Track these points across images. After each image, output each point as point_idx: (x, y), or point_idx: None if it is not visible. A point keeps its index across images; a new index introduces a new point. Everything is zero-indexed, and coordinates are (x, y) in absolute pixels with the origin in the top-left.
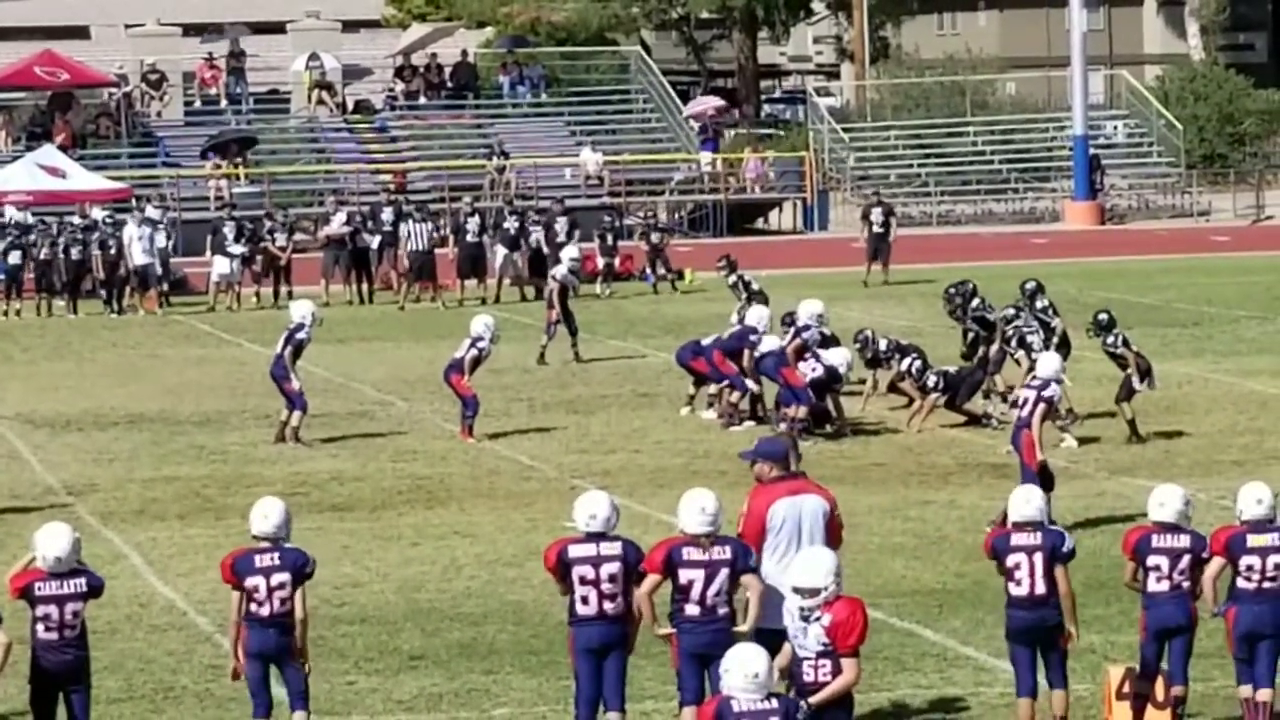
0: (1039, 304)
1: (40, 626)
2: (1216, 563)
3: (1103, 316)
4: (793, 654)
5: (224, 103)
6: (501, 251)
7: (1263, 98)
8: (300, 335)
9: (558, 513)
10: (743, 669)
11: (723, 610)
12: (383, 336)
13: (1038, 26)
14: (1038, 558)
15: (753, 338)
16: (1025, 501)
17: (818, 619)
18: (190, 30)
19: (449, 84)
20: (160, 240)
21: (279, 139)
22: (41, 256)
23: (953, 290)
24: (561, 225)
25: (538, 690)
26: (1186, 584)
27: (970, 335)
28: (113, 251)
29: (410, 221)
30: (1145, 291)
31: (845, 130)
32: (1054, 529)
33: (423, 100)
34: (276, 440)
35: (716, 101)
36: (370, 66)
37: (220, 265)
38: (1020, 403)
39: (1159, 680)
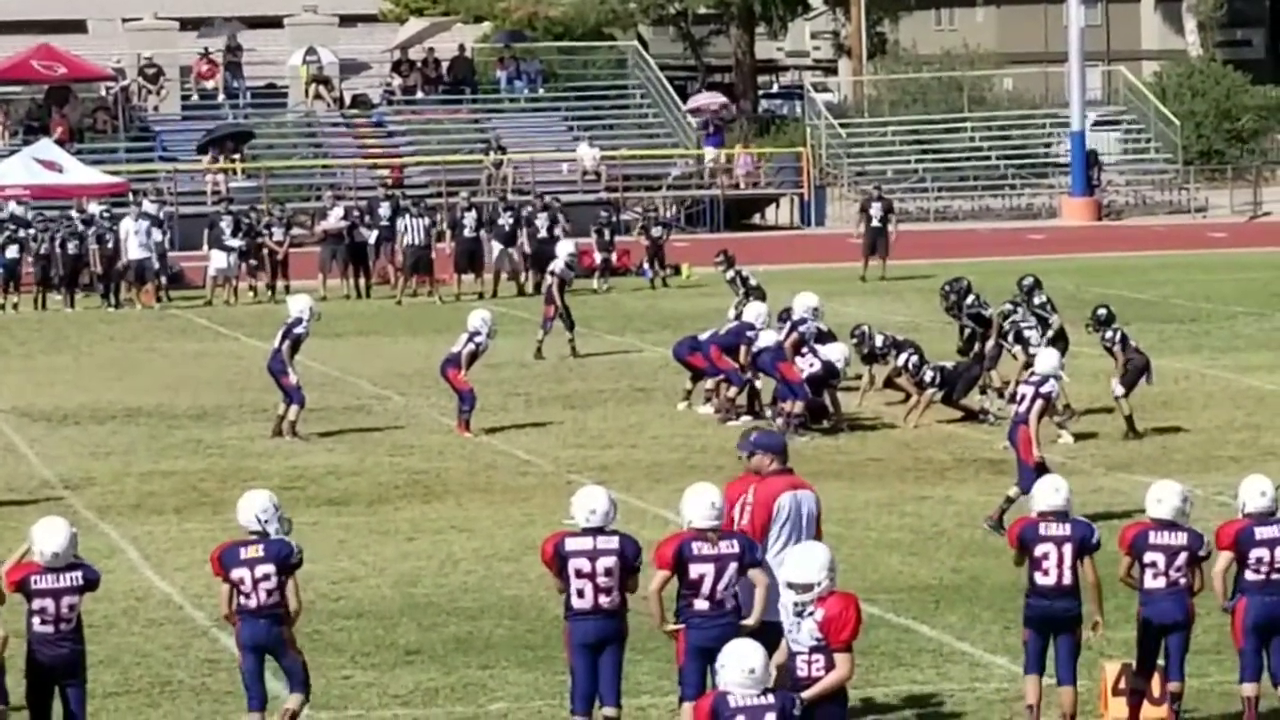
0: (1036, 299)
1: (36, 620)
2: (1225, 557)
3: (1102, 311)
4: (787, 649)
5: (221, 97)
6: (497, 247)
7: (1260, 94)
8: (298, 330)
9: (554, 507)
10: (739, 664)
11: (730, 605)
12: (380, 331)
13: (1035, 22)
14: (1067, 548)
15: (750, 333)
16: (1054, 490)
17: (811, 614)
18: (187, 24)
19: (446, 79)
20: (157, 235)
21: (276, 133)
22: (39, 251)
23: (947, 288)
24: (543, 221)
25: (534, 685)
26: (1184, 581)
27: (966, 331)
28: (110, 246)
29: (407, 216)
30: (1142, 287)
31: (843, 126)
32: (1081, 520)
33: (420, 95)
34: (274, 434)
35: (720, 97)
36: (367, 61)
37: (217, 259)
38: (1018, 398)
39: (1155, 676)
